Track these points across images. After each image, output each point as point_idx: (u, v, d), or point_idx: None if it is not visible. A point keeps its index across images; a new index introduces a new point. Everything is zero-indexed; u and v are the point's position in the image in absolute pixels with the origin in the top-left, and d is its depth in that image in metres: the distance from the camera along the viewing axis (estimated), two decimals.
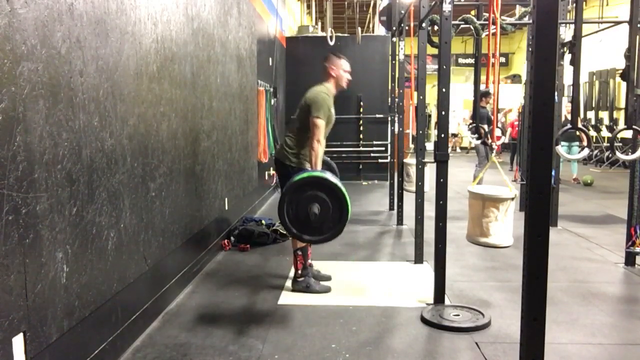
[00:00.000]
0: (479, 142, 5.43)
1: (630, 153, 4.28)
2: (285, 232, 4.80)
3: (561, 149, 4.96)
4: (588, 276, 4.14)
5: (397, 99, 6.43)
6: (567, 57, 4.54)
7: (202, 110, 4.22)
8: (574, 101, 4.32)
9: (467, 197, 3.34)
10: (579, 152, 7.62)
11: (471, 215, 3.24)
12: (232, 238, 5.07)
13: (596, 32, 5.81)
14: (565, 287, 3.84)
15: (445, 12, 3.25)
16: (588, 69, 13.37)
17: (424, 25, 4.14)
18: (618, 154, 4.40)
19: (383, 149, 9.93)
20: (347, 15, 13.84)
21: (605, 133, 12.65)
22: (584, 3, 8.75)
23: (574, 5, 4.47)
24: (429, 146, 10.65)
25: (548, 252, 1.85)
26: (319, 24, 12.98)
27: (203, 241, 4.31)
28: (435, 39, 4.28)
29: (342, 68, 3.70)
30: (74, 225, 2.24)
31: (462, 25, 4.68)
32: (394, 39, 6.62)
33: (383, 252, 4.93)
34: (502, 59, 20.23)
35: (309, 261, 3.79)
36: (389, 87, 6.86)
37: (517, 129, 10.85)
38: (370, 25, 15.21)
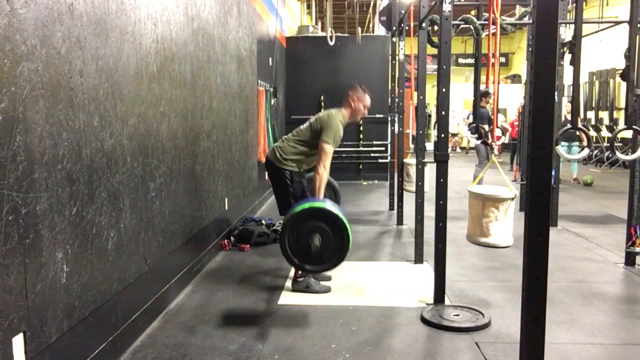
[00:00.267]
0: (479, 142, 5.42)
1: (630, 153, 4.28)
2: None
3: (561, 149, 4.96)
4: (588, 276, 4.14)
5: (397, 99, 6.44)
6: (567, 57, 4.54)
7: (202, 110, 4.22)
8: (574, 101, 4.33)
9: (467, 197, 3.34)
10: (579, 152, 7.61)
11: (471, 215, 3.24)
12: (232, 238, 5.06)
13: (596, 32, 5.81)
14: (565, 287, 3.84)
15: (445, 12, 3.25)
16: (588, 69, 13.37)
17: (424, 25, 4.14)
18: (618, 154, 4.40)
19: (383, 149, 9.93)
20: (347, 15, 13.84)
21: (605, 133, 12.64)
22: (584, 3, 8.76)
23: (574, 5, 4.48)
24: (429, 146, 10.64)
25: (548, 252, 1.84)
26: (319, 24, 12.97)
27: (203, 241, 4.31)
28: (435, 39, 4.29)
29: (363, 102, 3.82)
30: (74, 225, 2.24)
31: (462, 25, 4.67)
32: (394, 39, 6.62)
33: (383, 252, 4.93)
34: (502, 59, 20.23)
35: None
36: (389, 87, 6.86)
37: (517, 129, 10.85)
38: (370, 25, 15.21)
